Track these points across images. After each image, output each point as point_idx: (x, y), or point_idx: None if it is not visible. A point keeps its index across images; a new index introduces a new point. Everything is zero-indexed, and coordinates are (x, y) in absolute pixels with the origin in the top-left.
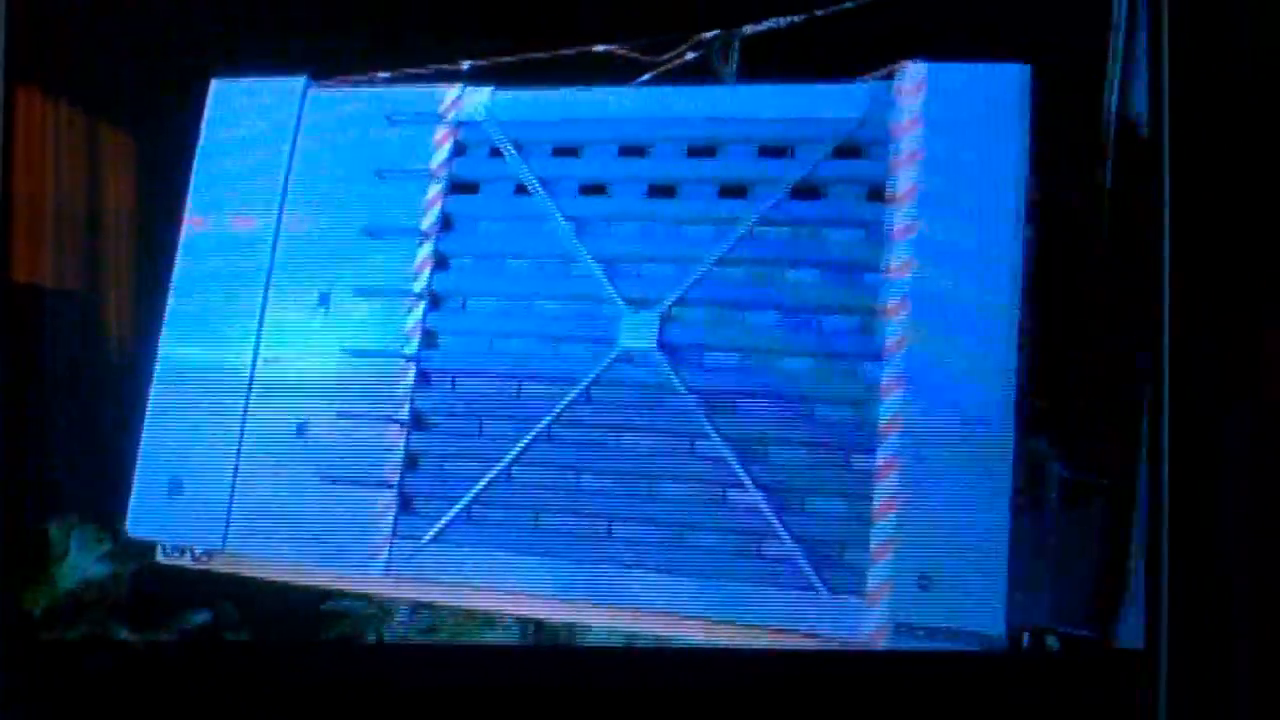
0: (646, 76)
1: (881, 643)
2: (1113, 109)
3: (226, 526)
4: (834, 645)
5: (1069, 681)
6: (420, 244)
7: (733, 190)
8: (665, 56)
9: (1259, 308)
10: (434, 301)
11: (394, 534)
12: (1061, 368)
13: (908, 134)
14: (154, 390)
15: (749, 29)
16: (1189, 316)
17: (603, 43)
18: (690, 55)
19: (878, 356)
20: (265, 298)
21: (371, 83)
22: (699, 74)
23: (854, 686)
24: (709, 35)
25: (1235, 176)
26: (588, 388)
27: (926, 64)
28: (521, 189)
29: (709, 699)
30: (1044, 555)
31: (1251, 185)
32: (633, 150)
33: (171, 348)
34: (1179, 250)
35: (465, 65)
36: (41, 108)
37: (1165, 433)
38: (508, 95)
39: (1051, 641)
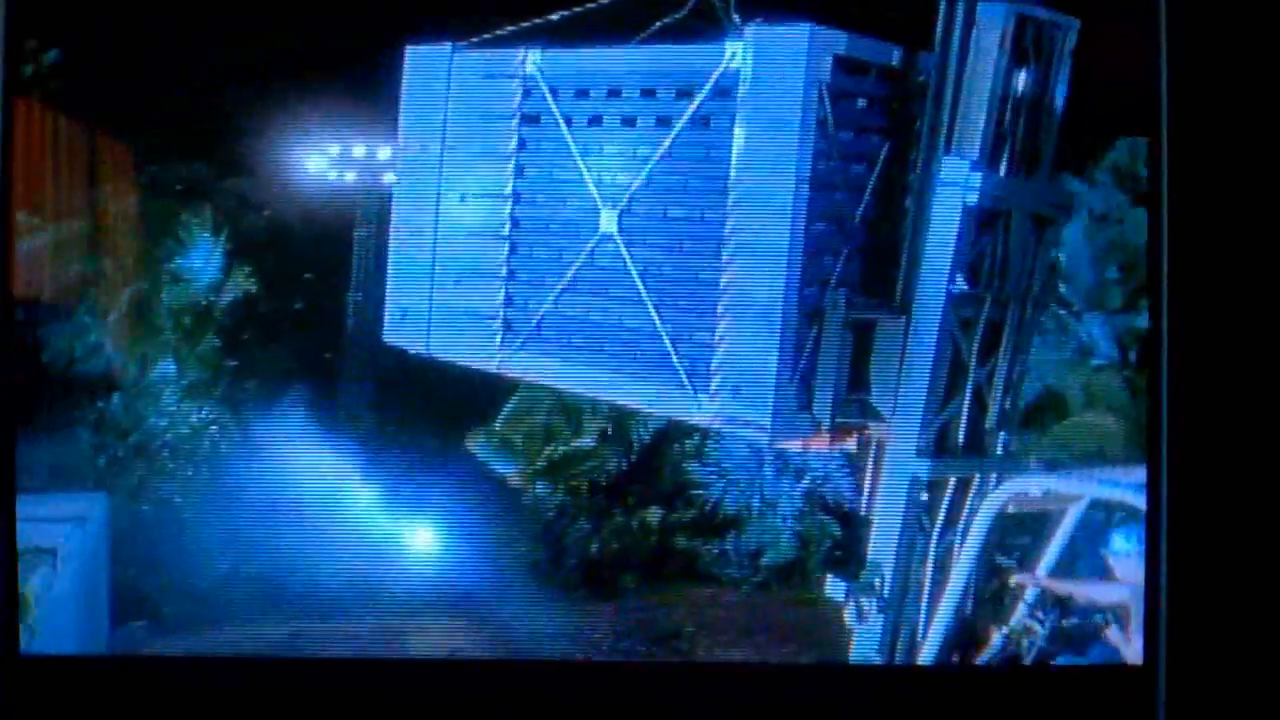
0: (658, 25)
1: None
2: None
3: (429, 329)
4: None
5: (1069, 697)
6: (508, 160)
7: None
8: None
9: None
10: (516, 196)
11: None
12: None
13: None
14: (392, 248)
15: None
16: (1187, 323)
17: None
18: None
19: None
20: (439, 187)
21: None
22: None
23: (854, 701)
24: None
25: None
26: (591, 250)
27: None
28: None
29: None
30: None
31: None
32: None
33: (402, 216)
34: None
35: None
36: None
37: (1164, 444)
38: (549, 53)
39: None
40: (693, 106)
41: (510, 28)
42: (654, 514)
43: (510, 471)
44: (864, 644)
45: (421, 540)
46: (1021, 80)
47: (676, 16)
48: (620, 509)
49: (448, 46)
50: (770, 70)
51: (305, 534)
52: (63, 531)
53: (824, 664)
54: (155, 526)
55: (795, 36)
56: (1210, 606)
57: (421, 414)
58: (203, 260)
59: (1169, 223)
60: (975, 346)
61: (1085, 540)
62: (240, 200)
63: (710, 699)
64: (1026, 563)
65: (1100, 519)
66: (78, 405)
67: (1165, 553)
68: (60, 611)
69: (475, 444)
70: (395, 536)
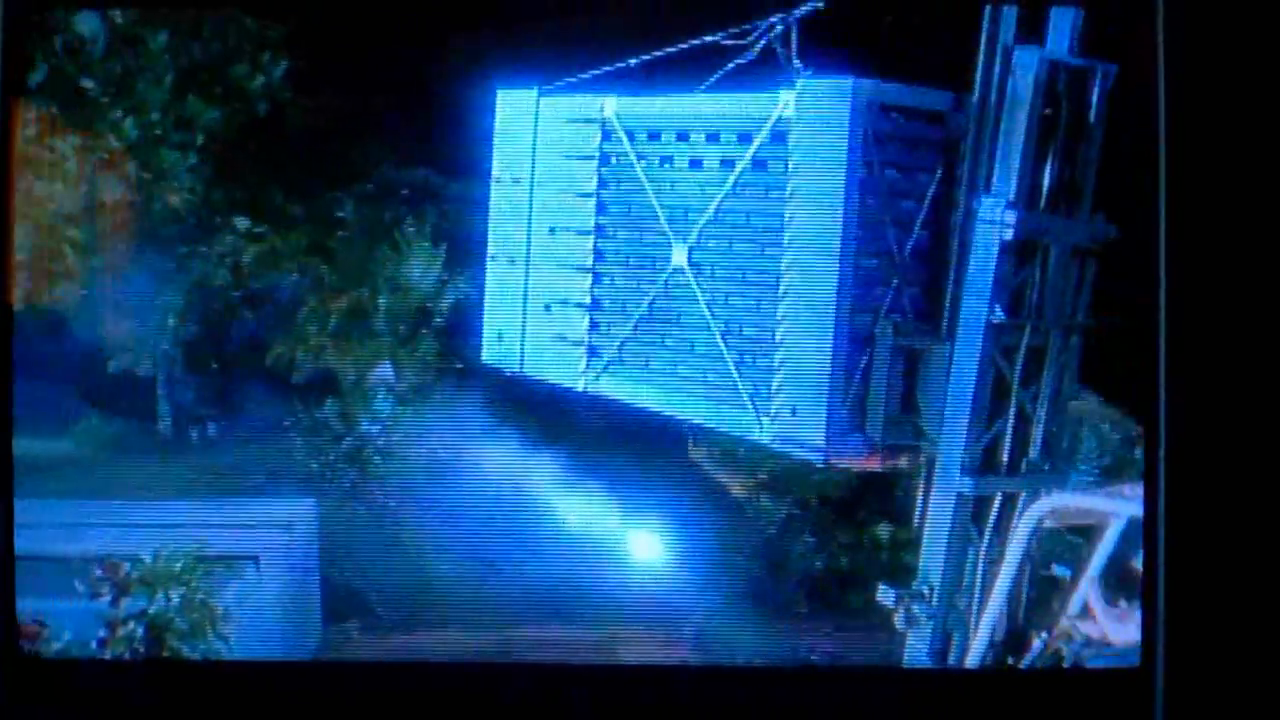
0: (730, 66)
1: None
2: None
3: (522, 351)
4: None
5: (1066, 699)
6: (590, 197)
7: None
8: (744, 43)
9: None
10: (598, 230)
11: (589, 355)
12: None
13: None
14: (489, 274)
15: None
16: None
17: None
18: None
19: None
20: (530, 220)
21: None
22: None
23: (848, 701)
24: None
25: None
26: (665, 281)
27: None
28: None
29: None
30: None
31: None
32: (682, 137)
33: (498, 245)
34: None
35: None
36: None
37: (1161, 446)
38: (625, 100)
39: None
40: (751, 150)
41: (590, 74)
42: (884, 530)
43: (734, 482)
44: (915, 647)
45: (638, 550)
46: (1056, 123)
47: (743, 61)
48: (848, 524)
49: (534, 91)
50: (818, 118)
51: (520, 540)
52: (268, 537)
53: (823, 666)
54: (368, 529)
55: (839, 88)
56: (1207, 607)
57: (645, 421)
58: (421, 268)
59: (1167, 223)
60: (1018, 372)
61: (1131, 553)
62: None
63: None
64: (1072, 573)
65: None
66: (293, 410)
67: (1162, 553)
68: (264, 617)
69: (699, 454)
70: (611, 545)
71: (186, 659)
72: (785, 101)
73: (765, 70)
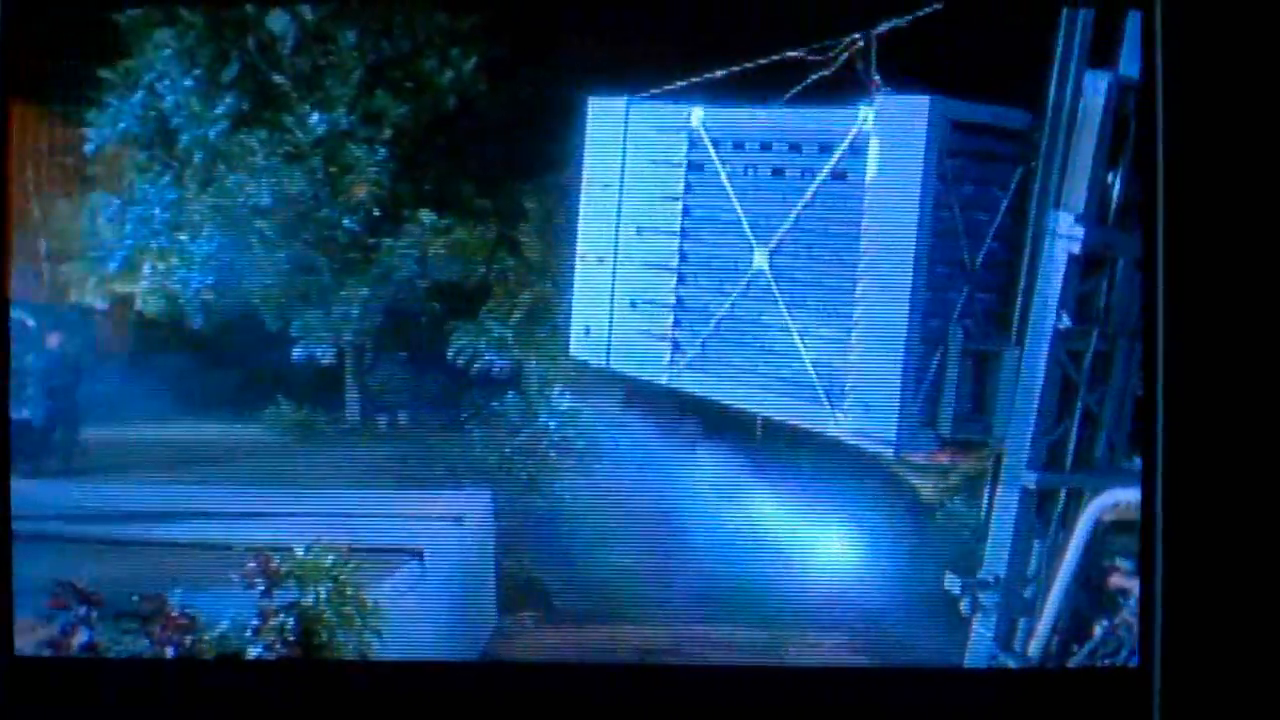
0: (811, 79)
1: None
2: None
3: (608, 346)
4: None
5: (1066, 698)
6: (676, 201)
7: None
8: (825, 58)
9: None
10: (683, 233)
11: (673, 351)
12: None
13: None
14: (578, 271)
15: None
16: (1184, 328)
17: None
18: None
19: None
20: (618, 220)
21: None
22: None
23: (849, 701)
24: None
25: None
26: (747, 283)
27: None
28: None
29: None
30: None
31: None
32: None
33: (587, 244)
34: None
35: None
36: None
37: (1159, 448)
38: (711, 110)
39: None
40: (831, 162)
41: (678, 84)
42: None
43: (925, 486)
44: (980, 634)
45: (820, 550)
46: (1124, 141)
47: (825, 74)
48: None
49: (624, 99)
50: (896, 133)
51: (699, 536)
52: (437, 530)
53: (820, 667)
54: (546, 523)
55: (917, 105)
56: (1206, 608)
57: None
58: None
59: (1165, 226)
60: (1085, 375)
61: None
62: None
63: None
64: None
65: None
66: (473, 401)
67: (1160, 555)
68: (426, 610)
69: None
70: (796, 545)
71: (195, 658)
72: (865, 116)
73: (845, 84)
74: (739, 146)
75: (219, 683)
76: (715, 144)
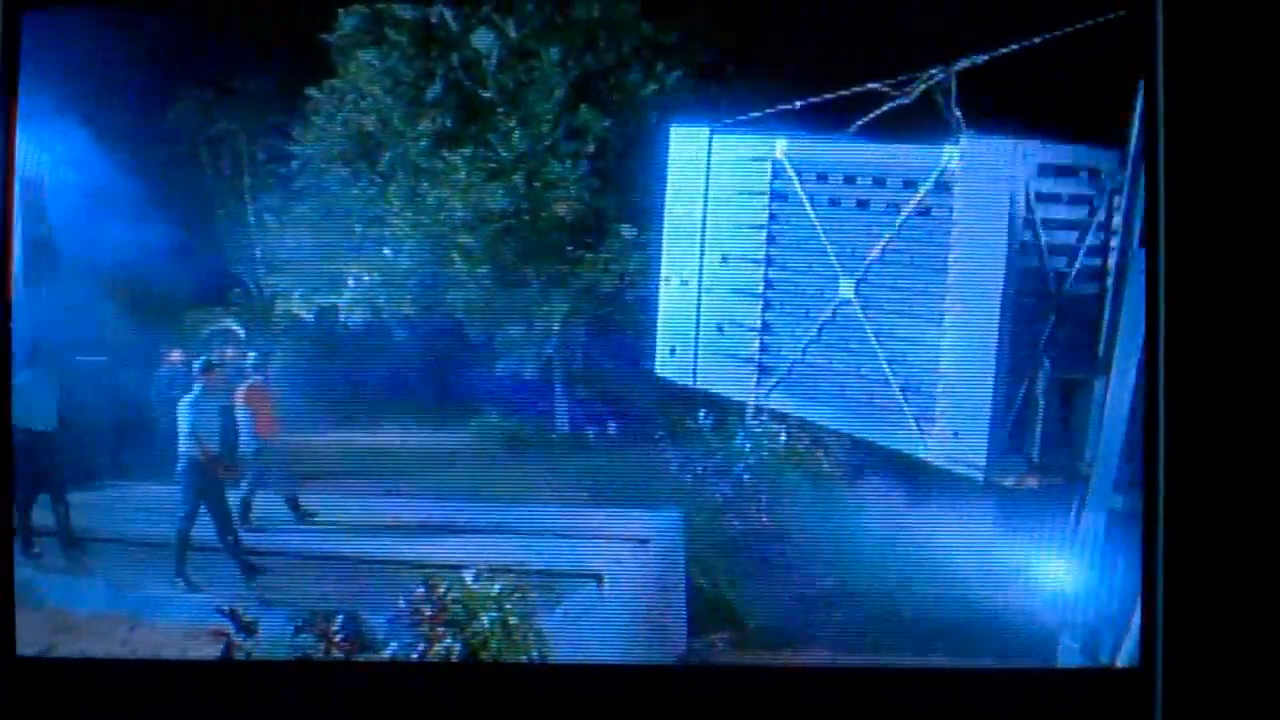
0: (887, 107)
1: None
2: None
3: (694, 366)
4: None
5: (1067, 699)
6: (761, 229)
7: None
8: (903, 91)
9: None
10: (768, 261)
11: (759, 373)
12: None
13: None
14: (662, 295)
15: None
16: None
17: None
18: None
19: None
20: (702, 247)
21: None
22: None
23: (849, 700)
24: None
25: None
26: (834, 310)
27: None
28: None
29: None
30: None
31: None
32: (849, 179)
33: (670, 268)
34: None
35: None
36: None
37: (1160, 454)
38: (795, 142)
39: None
40: (917, 198)
41: (758, 114)
42: None
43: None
44: (1068, 646)
45: (944, 569)
46: None
47: (903, 102)
48: None
49: (707, 128)
50: (982, 174)
51: (911, 564)
52: (616, 553)
53: (817, 667)
54: (739, 545)
55: (1004, 147)
56: (1206, 611)
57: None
58: None
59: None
60: None
61: None
62: None
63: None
64: None
65: None
66: (668, 422)
67: (1161, 559)
68: (604, 634)
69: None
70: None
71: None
72: (950, 155)
73: (925, 118)
74: (823, 178)
75: (216, 683)
76: (799, 175)
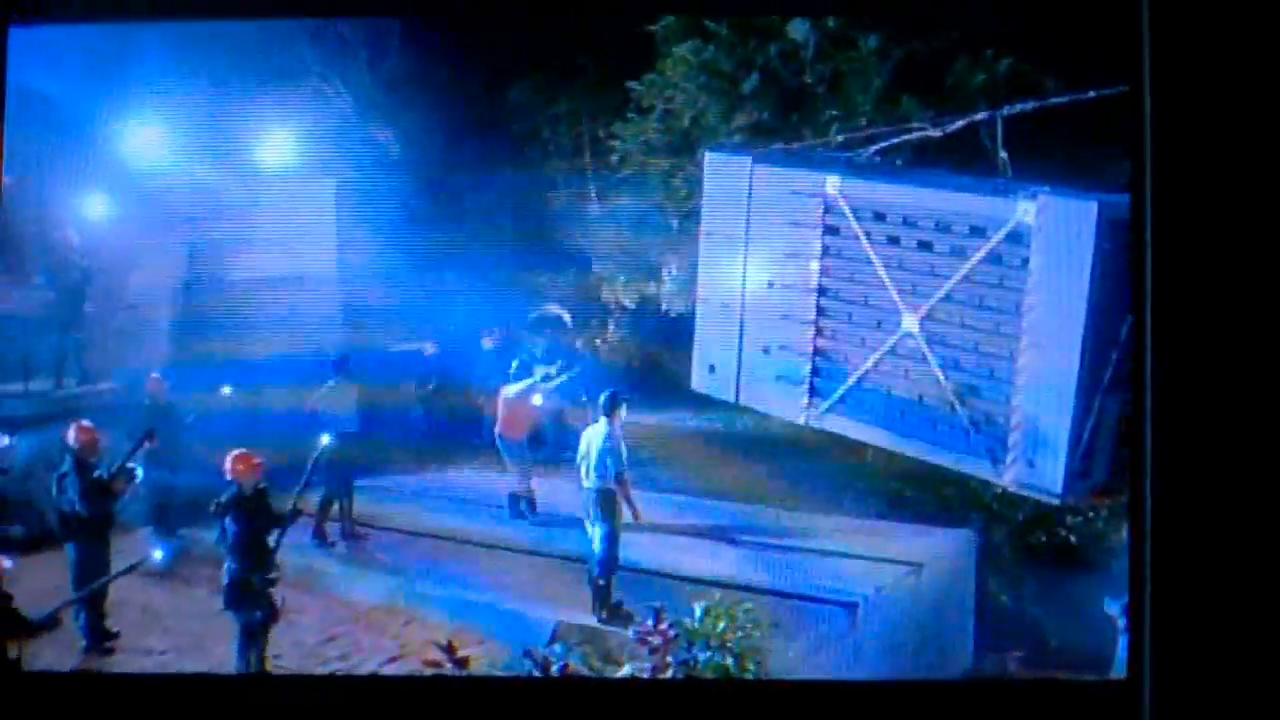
0: (916, 134)
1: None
2: None
3: (737, 384)
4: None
5: (1056, 710)
6: (812, 259)
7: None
8: (949, 130)
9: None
10: (821, 290)
11: (810, 395)
12: None
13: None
14: (699, 314)
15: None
16: (1173, 341)
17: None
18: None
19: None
20: (744, 271)
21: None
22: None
23: (843, 712)
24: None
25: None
26: (894, 342)
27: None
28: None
29: None
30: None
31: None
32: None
33: (708, 290)
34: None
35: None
36: None
37: (1147, 463)
38: (848, 181)
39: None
40: (988, 245)
41: (801, 145)
42: None
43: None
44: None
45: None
46: None
47: (939, 133)
48: None
49: (748, 158)
50: (1060, 231)
51: None
52: (888, 577)
53: (811, 681)
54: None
55: (1083, 209)
56: (1194, 621)
57: None
58: None
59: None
60: None
61: None
62: None
63: None
64: None
65: None
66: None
67: (1149, 569)
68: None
69: None
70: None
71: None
72: (1025, 209)
73: (975, 164)
74: (880, 218)
75: (217, 696)
76: (855, 213)
